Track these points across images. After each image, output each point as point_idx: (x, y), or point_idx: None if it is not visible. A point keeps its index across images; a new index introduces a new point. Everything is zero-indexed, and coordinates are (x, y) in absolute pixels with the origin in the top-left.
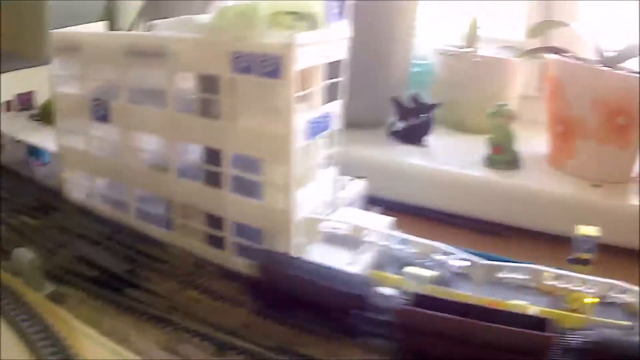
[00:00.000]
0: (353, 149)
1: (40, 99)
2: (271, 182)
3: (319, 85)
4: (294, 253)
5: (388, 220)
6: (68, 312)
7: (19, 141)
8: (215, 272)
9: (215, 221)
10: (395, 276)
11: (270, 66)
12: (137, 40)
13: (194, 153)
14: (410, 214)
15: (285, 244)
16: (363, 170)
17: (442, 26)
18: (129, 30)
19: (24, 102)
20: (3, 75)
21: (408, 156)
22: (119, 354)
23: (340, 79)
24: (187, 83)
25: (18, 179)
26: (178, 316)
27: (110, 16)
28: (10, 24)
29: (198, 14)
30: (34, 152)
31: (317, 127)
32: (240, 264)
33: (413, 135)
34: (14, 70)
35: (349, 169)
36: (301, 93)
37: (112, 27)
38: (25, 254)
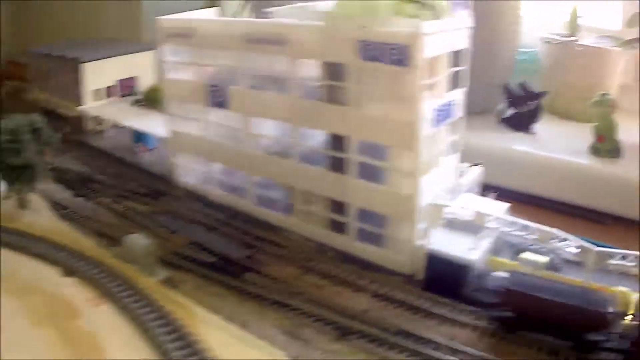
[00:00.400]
0: (465, 135)
1: (143, 84)
2: (397, 169)
3: (443, 73)
4: (417, 238)
5: (503, 206)
6: (184, 297)
7: (123, 127)
8: (336, 258)
9: (338, 207)
10: (511, 262)
11: (398, 54)
12: (256, 28)
13: (313, 139)
14: (517, 200)
15: (410, 229)
16: (474, 156)
17: (547, 14)
18: (234, 15)
19: (126, 88)
20: (104, 61)
21: (517, 143)
22: (240, 339)
23: (463, 67)
24: (306, 69)
25: (123, 165)
26: (299, 301)
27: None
28: (109, 9)
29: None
30: (140, 138)
31: (442, 115)
32: (362, 249)
33: (522, 123)
34: (116, 56)
35: (461, 154)
36: (428, 81)
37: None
38: (138, 240)
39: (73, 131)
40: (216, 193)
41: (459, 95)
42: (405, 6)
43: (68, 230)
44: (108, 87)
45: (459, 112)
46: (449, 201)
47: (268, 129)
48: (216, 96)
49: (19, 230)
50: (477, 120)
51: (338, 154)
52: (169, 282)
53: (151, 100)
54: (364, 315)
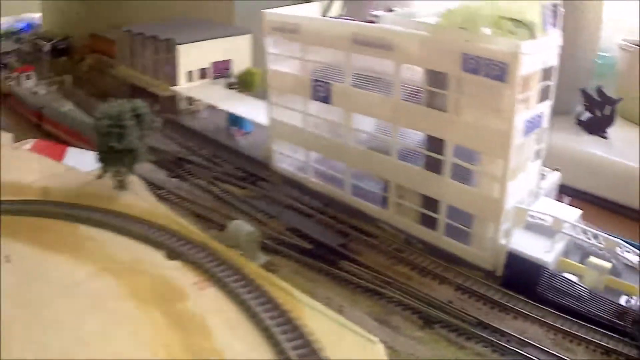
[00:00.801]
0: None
1: (237, 67)
2: (487, 173)
3: (535, 88)
4: (500, 237)
5: (576, 212)
6: (284, 281)
7: (216, 109)
8: (424, 250)
9: (430, 203)
10: (580, 265)
11: (497, 70)
12: (362, 31)
13: (408, 138)
14: (588, 202)
15: (494, 229)
16: (550, 155)
17: (627, 20)
18: (326, 9)
19: (220, 70)
20: (200, 43)
21: (590, 146)
22: (338, 323)
23: (551, 82)
24: (409, 74)
25: (218, 147)
26: (389, 290)
27: None
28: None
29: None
30: (236, 121)
31: (532, 125)
32: (449, 244)
33: (596, 126)
34: (211, 39)
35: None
36: (522, 96)
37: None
38: (242, 227)
39: (165, 110)
40: (313, 181)
41: (546, 107)
42: (504, 22)
43: (166, 212)
44: (202, 69)
45: (545, 122)
46: (531, 203)
47: (367, 125)
48: (320, 91)
49: (118, 211)
50: (557, 121)
51: (434, 155)
52: (270, 267)
53: (245, 83)
54: (448, 306)
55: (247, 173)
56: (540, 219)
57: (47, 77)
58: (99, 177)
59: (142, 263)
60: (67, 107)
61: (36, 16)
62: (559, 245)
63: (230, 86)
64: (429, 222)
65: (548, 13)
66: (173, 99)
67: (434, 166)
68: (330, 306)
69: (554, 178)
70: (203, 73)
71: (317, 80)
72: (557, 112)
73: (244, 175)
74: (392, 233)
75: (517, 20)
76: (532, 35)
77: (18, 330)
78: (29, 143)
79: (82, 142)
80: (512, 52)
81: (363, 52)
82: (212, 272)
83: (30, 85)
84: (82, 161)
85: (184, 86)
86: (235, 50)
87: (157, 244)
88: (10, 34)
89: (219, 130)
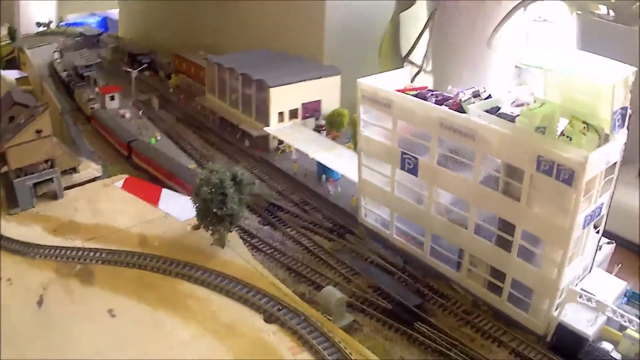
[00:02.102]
0: None
1: (326, 108)
2: (548, 257)
3: (599, 185)
4: (553, 309)
5: (622, 285)
6: (362, 342)
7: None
8: (488, 313)
9: (498, 273)
10: (618, 333)
11: (566, 175)
12: (449, 118)
13: (485, 214)
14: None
15: (550, 303)
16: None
17: None
18: (408, 54)
19: (310, 110)
20: (291, 86)
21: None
22: None
23: (614, 175)
24: (489, 161)
25: (308, 194)
26: (455, 351)
27: (395, 32)
28: (291, 26)
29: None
30: (325, 170)
31: (592, 217)
32: (510, 309)
33: None
34: (302, 81)
35: None
36: (585, 196)
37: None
38: (333, 294)
39: (258, 148)
40: (395, 238)
41: (607, 198)
42: (578, 123)
43: (262, 271)
44: (292, 110)
45: (605, 209)
46: (584, 277)
47: (446, 198)
48: (408, 162)
49: (218, 271)
50: (620, 171)
51: (505, 235)
52: (354, 326)
53: (334, 124)
54: None
55: (336, 224)
56: (588, 299)
57: (131, 95)
58: (196, 228)
59: (242, 325)
60: (158, 135)
61: (111, 13)
62: (602, 318)
63: (319, 128)
64: (495, 289)
65: (618, 117)
66: (265, 137)
67: (504, 244)
68: None
69: (608, 250)
70: (293, 113)
71: (405, 153)
72: (623, 160)
73: (332, 227)
74: (462, 295)
75: (589, 125)
76: (601, 140)
77: None
78: (121, 180)
79: (175, 183)
80: (580, 162)
81: (449, 136)
82: (306, 338)
83: (115, 107)
84: (178, 207)
85: (274, 127)
86: (325, 91)
87: (255, 306)
88: (81, 35)
89: (308, 174)
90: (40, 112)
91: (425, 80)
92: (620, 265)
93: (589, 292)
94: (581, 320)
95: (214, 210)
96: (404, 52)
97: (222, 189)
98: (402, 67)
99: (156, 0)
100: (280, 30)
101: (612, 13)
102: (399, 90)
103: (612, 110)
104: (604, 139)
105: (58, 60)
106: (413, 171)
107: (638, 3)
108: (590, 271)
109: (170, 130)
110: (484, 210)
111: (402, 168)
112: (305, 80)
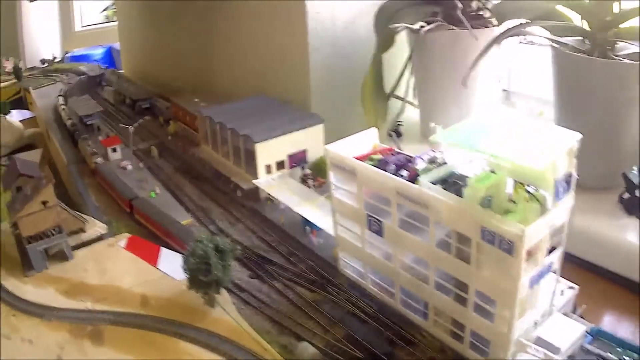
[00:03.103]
0: (580, 215)
1: (311, 156)
2: (499, 314)
3: (544, 248)
4: (509, 358)
5: (581, 328)
6: None
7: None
8: (453, 358)
9: (458, 324)
10: None
11: (506, 245)
12: (404, 188)
13: (440, 273)
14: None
15: (503, 353)
16: (584, 236)
17: None
18: (393, 91)
19: (296, 160)
20: (277, 139)
21: (623, 230)
22: None
23: (563, 234)
24: (442, 228)
25: (294, 245)
26: None
27: (377, 71)
28: (277, 72)
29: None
30: (308, 221)
31: (539, 277)
32: (473, 356)
33: (635, 208)
34: (288, 133)
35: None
36: (527, 262)
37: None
38: (307, 349)
39: (248, 198)
40: (371, 288)
41: (556, 256)
42: (521, 191)
43: (246, 328)
44: (279, 162)
45: (556, 265)
46: (543, 322)
47: (410, 256)
48: (374, 224)
49: (209, 330)
50: (598, 198)
51: (462, 294)
52: None
53: (319, 171)
54: None
55: (317, 274)
56: (537, 352)
57: (132, 144)
58: (190, 287)
59: None
60: (157, 189)
61: (116, 44)
62: None
63: (305, 177)
64: (458, 337)
65: (562, 185)
66: (255, 189)
67: (461, 300)
68: None
69: (570, 295)
70: (280, 165)
71: (371, 216)
72: (603, 187)
73: (314, 279)
74: (430, 340)
75: (532, 194)
76: (543, 210)
77: None
78: (123, 239)
79: (173, 241)
80: (518, 234)
81: (406, 203)
82: None
83: (117, 158)
84: (174, 267)
85: (262, 179)
86: (309, 141)
87: None
88: (83, 74)
89: (294, 224)
90: (44, 185)
91: (413, 114)
92: (584, 306)
93: (544, 340)
94: None
95: (200, 278)
96: (388, 89)
97: (207, 259)
98: (387, 102)
99: (152, 35)
100: (269, 76)
101: (587, 42)
102: (364, 155)
103: (555, 182)
104: (551, 203)
105: (63, 107)
106: (379, 233)
107: (614, 30)
108: (549, 318)
109: (169, 181)
110: (441, 269)
111: (370, 229)
112: (290, 132)
